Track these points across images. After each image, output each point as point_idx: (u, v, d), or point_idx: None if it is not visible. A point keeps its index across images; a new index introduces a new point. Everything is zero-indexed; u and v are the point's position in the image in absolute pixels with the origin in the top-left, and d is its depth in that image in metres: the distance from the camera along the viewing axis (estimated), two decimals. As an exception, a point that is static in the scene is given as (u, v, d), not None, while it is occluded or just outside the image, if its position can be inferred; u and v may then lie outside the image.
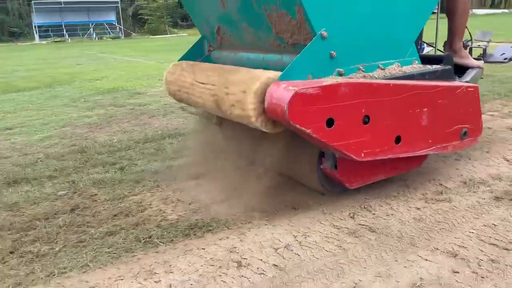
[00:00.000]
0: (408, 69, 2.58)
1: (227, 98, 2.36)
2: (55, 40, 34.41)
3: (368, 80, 2.33)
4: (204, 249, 2.21)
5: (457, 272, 1.91)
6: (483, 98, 5.25)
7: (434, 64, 2.74)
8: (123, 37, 37.36)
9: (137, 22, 42.15)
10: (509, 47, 4.07)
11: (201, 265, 2.06)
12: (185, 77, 2.88)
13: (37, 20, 36.47)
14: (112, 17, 39.85)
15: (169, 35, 35.98)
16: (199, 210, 2.65)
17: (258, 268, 2.02)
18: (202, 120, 3.41)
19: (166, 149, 3.90)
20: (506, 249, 2.07)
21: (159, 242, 2.29)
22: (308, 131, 2.08)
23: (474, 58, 3.56)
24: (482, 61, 3.54)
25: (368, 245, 2.18)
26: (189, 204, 2.74)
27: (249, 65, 2.61)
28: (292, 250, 2.16)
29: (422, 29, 3.07)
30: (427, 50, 4.03)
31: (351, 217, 2.48)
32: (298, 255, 2.12)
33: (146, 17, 40.32)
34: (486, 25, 15.74)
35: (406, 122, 2.44)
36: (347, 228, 2.36)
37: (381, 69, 2.50)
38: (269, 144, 2.71)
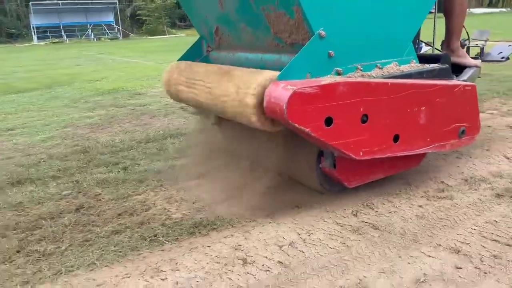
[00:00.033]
0: (406, 68, 2.60)
1: (226, 98, 2.38)
2: (53, 41, 34.42)
3: (366, 79, 2.34)
4: (209, 247, 2.23)
5: (460, 268, 1.93)
6: (482, 96, 5.29)
7: (431, 63, 2.76)
8: (121, 38, 37.37)
9: (135, 23, 42.16)
10: (506, 46, 4.09)
11: (207, 263, 2.08)
12: (183, 77, 2.90)
13: (35, 21, 36.47)
14: (110, 18, 39.86)
15: (167, 36, 36.00)
16: (203, 209, 2.67)
17: (263, 265, 2.04)
18: (201, 120, 3.42)
19: (168, 149, 3.92)
20: (508, 245, 2.09)
21: (165, 240, 2.31)
22: (307, 130, 2.10)
23: (472, 57, 3.58)
24: (480, 60, 3.57)
25: (372, 242, 2.20)
26: (193, 203, 2.76)
27: (248, 65, 2.62)
28: (296, 248, 2.18)
29: (420, 28, 3.09)
30: (425, 49, 4.05)
31: (354, 214, 2.50)
32: (303, 252, 2.14)
33: (144, 18, 40.36)
34: (484, 24, 15.81)
35: (404, 121, 2.46)
36: (350, 225, 2.38)
37: (379, 68, 2.52)
38: (268, 144, 2.73)
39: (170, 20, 41.46)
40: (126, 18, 42.67)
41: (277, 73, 2.19)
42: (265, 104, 2.15)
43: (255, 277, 1.96)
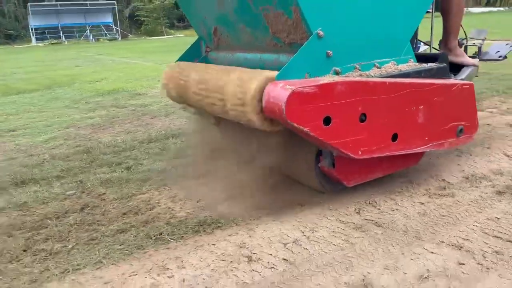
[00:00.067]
0: (403, 67, 2.61)
1: (225, 98, 2.39)
2: (52, 42, 34.42)
3: (364, 79, 2.36)
4: (214, 245, 2.25)
5: (463, 264, 1.96)
6: (482, 95, 5.33)
7: (429, 62, 2.78)
8: (120, 38, 37.39)
9: (134, 24, 42.18)
10: (504, 45, 4.12)
11: (213, 260, 2.11)
12: (182, 78, 2.91)
13: (33, 22, 36.47)
14: (108, 18, 39.88)
15: (165, 36, 36.02)
16: (207, 208, 2.69)
17: (268, 262, 2.07)
18: (201, 121, 3.44)
19: (171, 148, 3.95)
20: (510, 241, 2.12)
21: (170, 238, 2.33)
22: (305, 129, 2.11)
23: (469, 56, 3.60)
24: (477, 59, 3.59)
25: (375, 239, 2.23)
26: (197, 202, 2.78)
27: (247, 65, 2.63)
28: (300, 245, 2.21)
29: (417, 28, 3.11)
30: (423, 48, 4.08)
31: (357, 212, 2.53)
32: (307, 249, 2.17)
33: (142, 19, 40.38)
34: (482, 23, 15.85)
35: (402, 120, 2.48)
36: (354, 223, 2.41)
37: (377, 67, 2.53)
38: (267, 143, 2.75)
39: (168, 20, 41.50)
40: (125, 19, 42.68)
41: (275, 73, 2.20)
42: (264, 104, 2.16)
43: (260, 274, 1.98)
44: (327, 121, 2.17)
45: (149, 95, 7.18)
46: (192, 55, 3.27)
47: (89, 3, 39.17)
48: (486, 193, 2.67)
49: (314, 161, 2.60)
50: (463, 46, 3.86)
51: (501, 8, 43.01)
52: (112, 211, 2.72)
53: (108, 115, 5.69)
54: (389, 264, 2.00)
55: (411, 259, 2.02)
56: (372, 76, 2.45)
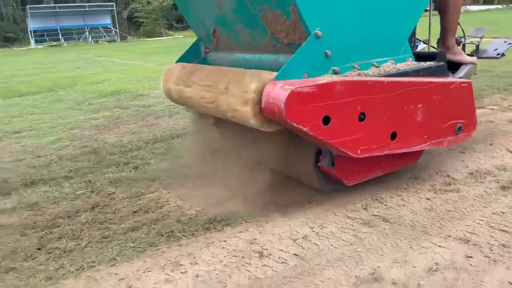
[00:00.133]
0: (402, 66, 2.63)
1: (224, 99, 2.42)
2: (51, 44, 34.42)
3: (363, 78, 2.37)
4: (225, 241, 2.29)
5: (471, 257, 2.00)
6: (483, 92, 5.38)
7: (427, 61, 2.79)
8: (118, 40, 37.41)
9: (133, 25, 42.22)
10: (502, 43, 4.15)
11: (225, 256, 2.15)
12: (182, 79, 2.93)
13: (32, 24, 36.49)
14: (107, 20, 39.91)
15: (164, 38, 36.03)
16: (216, 206, 2.73)
17: (279, 257, 2.11)
18: (201, 121, 3.48)
19: (176, 148, 3.99)
20: (516, 234, 2.17)
21: (181, 235, 2.37)
22: (305, 129, 2.12)
23: (467, 54, 3.63)
24: (475, 57, 3.61)
25: (383, 234, 2.27)
26: (206, 200, 2.82)
27: (246, 66, 2.65)
28: (310, 240, 2.25)
29: (415, 27, 3.13)
30: (421, 47, 4.11)
31: (364, 208, 2.57)
32: (317, 244, 2.21)
33: (141, 20, 40.42)
34: (480, 21, 15.89)
35: (401, 119, 2.49)
36: (361, 218, 2.45)
37: (376, 66, 2.55)
38: (266, 144, 2.78)
39: (167, 22, 41.54)
40: (123, 21, 42.72)
41: (274, 73, 2.22)
42: (263, 104, 2.18)
43: (272, 269, 2.02)
44: (326, 120, 2.19)
45: (152, 96, 7.21)
46: (191, 56, 3.29)
47: (88, 5, 39.21)
48: (491, 188, 2.71)
49: (313, 160, 2.62)
50: (461, 44, 3.89)
51: (499, 6, 43.10)
52: (122, 210, 2.75)
53: (112, 116, 5.73)
54: (398, 258, 2.04)
55: (420, 253, 2.07)
56: (371, 76, 2.46)
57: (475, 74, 3.56)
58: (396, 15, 2.55)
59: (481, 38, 4.27)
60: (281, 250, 2.18)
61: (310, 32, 2.27)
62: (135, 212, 2.71)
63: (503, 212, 2.39)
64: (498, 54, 4.00)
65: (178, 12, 32.22)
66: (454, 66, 3.31)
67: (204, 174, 3.21)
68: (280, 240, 2.28)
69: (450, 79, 2.80)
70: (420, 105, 2.56)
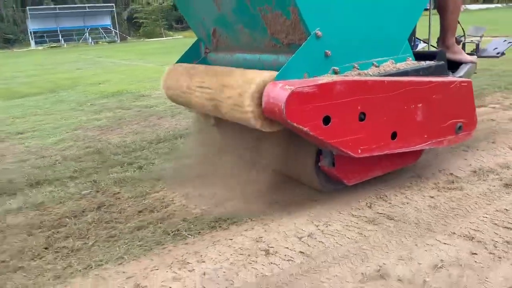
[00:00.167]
0: (402, 65, 2.63)
1: (225, 99, 2.43)
2: (51, 45, 34.45)
3: (363, 78, 2.38)
4: (231, 239, 2.31)
5: (475, 254, 2.02)
6: (484, 91, 5.40)
7: (427, 60, 2.80)
8: (118, 41, 37.44)
9: (132, 26, 42.26)
10: (502, 42, 4.15)
11: (231, 254, 2.17)
12: (182, 80, 2.94)
13: (32, 26, 36.52)
14: (107, 21, 39.94)
15: (164, 38, 36.05)
16: (220, 205, 2.75)
17: (285, 255, 2.13)
18: (202, 122, 3.50)
19: (180, 148, 4.01)
20: (519, 231, 2.18)
21: (187, 234, 2.39)
22: (305, 129, 2.13)
23: (467, 53, 3.63)
24: (475, 56, 3.62)
25: (388, 231, 2.29)
26: (210, 199, 2.84)
27: (246, 66, 2.65)
28: (315, 238, 2.27)
29: (415, 26, 3.14)
30: (421, 46, 4.12)
31: (368, 206, 2.59)
32: (322, 242, 2.23)
33: (141, 21, 40.45)
34: (479, 20, 15.90)
35: (401, 118, 2.50)
36: (366, 216, 2.47)
37: (376, 66, 2.56)
38: (267, 144, 2.79)
39: (167, 22, 41.57)
40: (123, 21, 42.76)
41: (275, 73, 2.23)
42: (263, 104, 2.18)
43: (279, 267, 2.04)
44: (326, 120, 2.19)
45: (153, 96, 7.23)
46: (191, 56, 3.30)
47: (88, 6, 39.25)
48: (494, 186, 2.73)
49: (314, 160, 2.63)
50: (461, 43, 3.90)
51: (499, 5, 43.12)
52: (128, 209, 2.77)
53: (115, 117, 5.74)
54: (403, 255, 2.06)
55: (425, 250, 2.08)
56: (371, 75, 2.46)
57: (475, 73, 3.57)
58: (396, 14, 2.56)
59: (481, 37, 4.28)
60: (287, 248, 2.20)
61: (310, 32, 2.28)
62: (140, 211, 2.73)
63: (506, 210, 2.41)
64: (498, 53, 4.01)
65: (178, 13, 32.27)
66: (454, 65, 3.31)
67: (206, 174, 3.23)
68: (285, 238, 2.29)
69: (450, 78, 2.81)
70: (420, 105, 2.56)
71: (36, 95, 8.41)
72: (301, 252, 2.15)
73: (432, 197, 2.65)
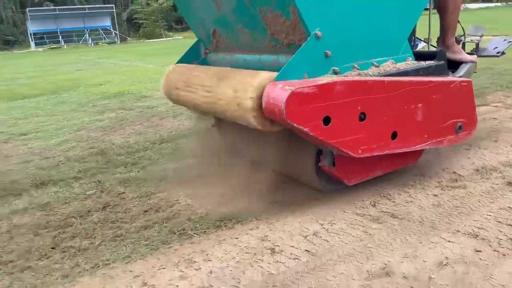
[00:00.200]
0: (402, 65, 2.64)
1: (225, 100, 2.44)
2: (51, 47, 34.48)
3: (363, 78, 2.38)
4: (237, 238, 2.33)
5: (480, 251, 2.04)
6: (486, 90, 5.41)
7: (427, 60, 2.80)
8: (118, 42, 37.47)
9: (132, 27, 42.28)
10: (502, 41, 4.16)
11: (237, 253, 2.18)
12: (182, 80, 2.96)
13: (32, 27, 36.55)
14: (107, 22, 39.97)
15: (164, 39, 36.06)
16: (225, 204, 2.76)
17: (291, 253, 2.14)
18: (202, 122, 3.51)
19: (183, 148, 4.02)
20: (523, 229, 2.20)
21: (193, 233, 2.41)
22: (305, 129, 2.13)
23: (467, 53, 3.64)
24: (475, 56, 3.63)
25: (392, 229, 2.30)
26: (215, 199, 2.85)
27: (246, 67, 2.66)
28: (320, 237, 2.28)
29: (415, 26, 3.15)
30: (421, 46, 4.13)
31: (372, 205, 2.60)
32: (327, 241, 2.24)
33: (141, 21, 40.46)
34: (479, 19, 15.91)
35: (401, 118, 2.51)
36: (370, 215, 2.48)
37: (376, 66, 2.56)
38: (267, 144, 2.81)
39: (166, 23, 41.58)
40: (123, 22, 42.79)
41: (275, 74, 2.24)
42: (263, 105, 2.19)
43: (285, 265, 2.06)
44: (326, 120, 2.20)
45: (155, 97, 7.25)
46: (191, 57, 3.30)
47: (87, 7, 39.30)
48: (497, 184, 2.75)
49: (314, 161, 2.64)
50: (461, 42, 3.91)
51: (499, 4, 43.13)
52: (133, 209, 2.79)
53: (117, 117, 5.76)
54: (408, 253, 2.07)
55: (429, 248, 2.10)
56: (371, 75, 2.47)
57: (475, 72, 3.58)
58: (396, 14, 2.57)
59: (481, 36, 4.29)
60: (293, 246, 2.21)
61: (310, 32, 2.28)
62: (145, 211, 2.75)
63: (510, 207, 2.42)
64: (498, 53, 4.02)
65: (178, 13, 32.28)
66: (454, 65, 3.32)
67: (208, 174, 3.25)
68: (291, 236, 2.31)
69: (450, 78, 2.82)
70: (420, 105, 2.57)
71: (37, 96, 8.43)
72: (306, 250, 2.16)
73: (436, 195, 2.66)
